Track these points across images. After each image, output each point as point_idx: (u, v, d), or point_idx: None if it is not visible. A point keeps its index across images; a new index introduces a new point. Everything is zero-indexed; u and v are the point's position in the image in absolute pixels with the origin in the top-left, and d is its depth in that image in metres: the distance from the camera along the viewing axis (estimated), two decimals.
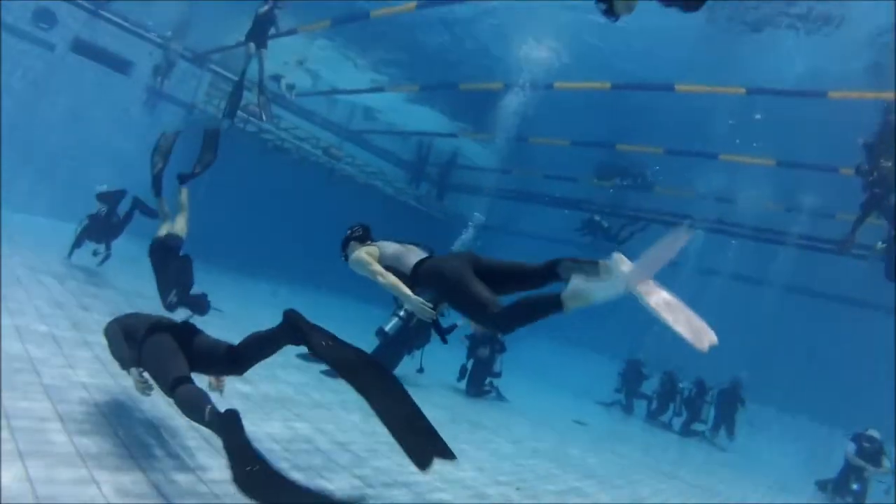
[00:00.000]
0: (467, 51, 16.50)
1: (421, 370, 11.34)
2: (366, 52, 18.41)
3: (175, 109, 19.83)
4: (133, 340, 4.67)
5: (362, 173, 21.86)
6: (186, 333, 4.69)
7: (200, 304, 8.71)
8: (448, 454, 4.11)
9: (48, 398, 4.88)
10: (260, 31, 14.85)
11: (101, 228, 12.08)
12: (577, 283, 3.79)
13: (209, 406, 3.86)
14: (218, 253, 18.55)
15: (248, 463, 3.67)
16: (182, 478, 4.29)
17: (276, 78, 18.86)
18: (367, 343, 11.22)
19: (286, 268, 19.91)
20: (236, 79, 16.19)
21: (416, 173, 24.50)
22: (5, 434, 4.00)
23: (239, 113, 16.92)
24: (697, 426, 16.64)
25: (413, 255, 4.69)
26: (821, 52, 12.38)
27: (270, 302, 15.87)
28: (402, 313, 11.18)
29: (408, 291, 4.51)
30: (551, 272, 4.10)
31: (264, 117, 16.16)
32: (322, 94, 20.61)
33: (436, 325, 4.85)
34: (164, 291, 8.88)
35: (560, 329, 20.38)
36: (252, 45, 14.87)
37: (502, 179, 24.29)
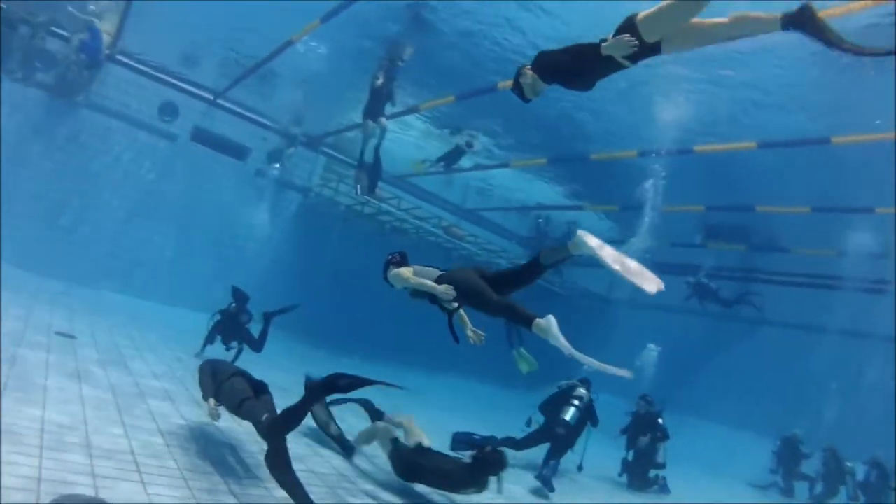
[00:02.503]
0: (585, 120, 15.60)
1: (580, 468, 10.56)
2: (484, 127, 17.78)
3: (292, 195, 19.95)
4: (216, 380, 6.21)
5: (483, 251, 21.12)
6: (259, 386, 6.12)
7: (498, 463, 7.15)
8: None
9: None
10: (377, 104, 14.67)
11: (231, 326, 11.58)
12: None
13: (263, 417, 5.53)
14: (344, 340, 18.25)
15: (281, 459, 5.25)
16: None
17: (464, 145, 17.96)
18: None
19: (411, 352, 19.28)
20: (352, 161, 16.12)
21: (537, 249, 23.54)
22: None
23: (357, 195, 16.85)
24: None
25: (434, 271, 5.98)
26: None
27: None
28: (576, 402, 10.66)
29: (433, 284, 5.68)
30: (535, 262, 5.50)
31: (361, 192, 15.88)
32: (445, 172, 20.09)
33: (450, 322, 5.89)
34: None
35: (699, 405, 19.12)
36: (370, 123, 14.69)
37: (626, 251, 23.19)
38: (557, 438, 10.26)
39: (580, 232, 5.10)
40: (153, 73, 17.53)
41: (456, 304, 5.76)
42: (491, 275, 5.58)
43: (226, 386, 6.03)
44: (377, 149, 15.19)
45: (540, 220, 24.00)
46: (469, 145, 17.20)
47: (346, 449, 8.04)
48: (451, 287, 5.51)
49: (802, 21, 3.93)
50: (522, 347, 17.76)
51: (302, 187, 20.14)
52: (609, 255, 4.99)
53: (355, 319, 18.98)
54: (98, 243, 16.65)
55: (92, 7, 15.18)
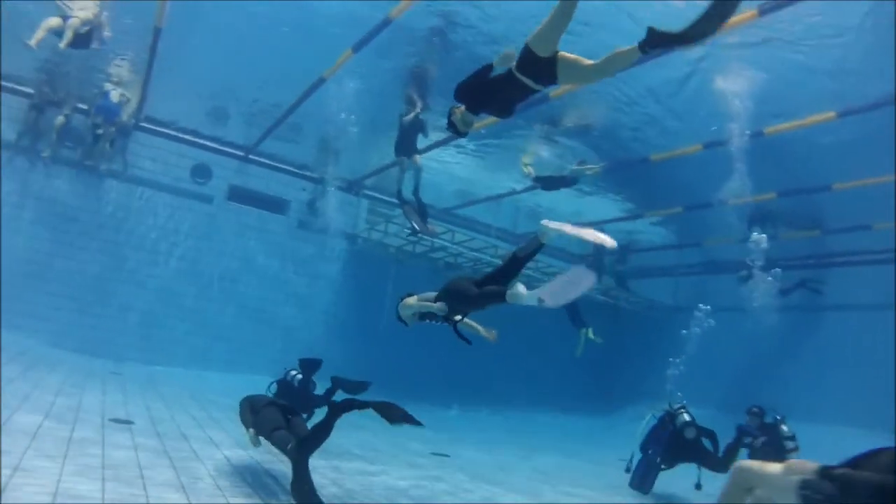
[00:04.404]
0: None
1: (699, 486, 9.64)
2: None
3: (339, 242, 19.28)
4: (254, 411, 6.84)
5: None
6: (289, 413, 6.79)
7: None
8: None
9: None
10: (408, 141, 13.93)
11: (294, 396, 10.37)
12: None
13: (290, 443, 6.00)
14: (414, 388, 17.41)
15: (304, 482, 5.64)
16: None
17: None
18: None
19: (474, 389, 18.86)
20: (395, 200, 15.69)
21: (597, 266, 22.57)
22: None
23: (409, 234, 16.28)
24: None
25: (432, 293, 6.60)
26: None
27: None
28: (685, 415, 10.22)
29: (430, 303, 6.43)
30: (513, 256, 6.22)
31: (418, 229, 14.99)
32: (495, 199, 19.46)
33: (455, 328, 6.47)
34: None
35: (793, 407, 17.39)
36: (404, 160, 14.00)
37: (682, 255, 22.06)
38: (687, 445, 9.92)
39: (543, 221, 5.93)
40: (181, 135, 17.30)
41: (458, 316, 6.39)
42: (479, 278, 6.39)
43: (260, 416, 6.67)
44: (416, 189, 14.30)
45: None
46: (589, 169, 16.27)
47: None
48: (443, 302, 6.36)
49: (654, 41, 4.28)
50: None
51: (348, 234, 19.48)
52: (570, 229, 5.84)
53: (423, 365, 18.14)
54: (148, 318, 16.41)
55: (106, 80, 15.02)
